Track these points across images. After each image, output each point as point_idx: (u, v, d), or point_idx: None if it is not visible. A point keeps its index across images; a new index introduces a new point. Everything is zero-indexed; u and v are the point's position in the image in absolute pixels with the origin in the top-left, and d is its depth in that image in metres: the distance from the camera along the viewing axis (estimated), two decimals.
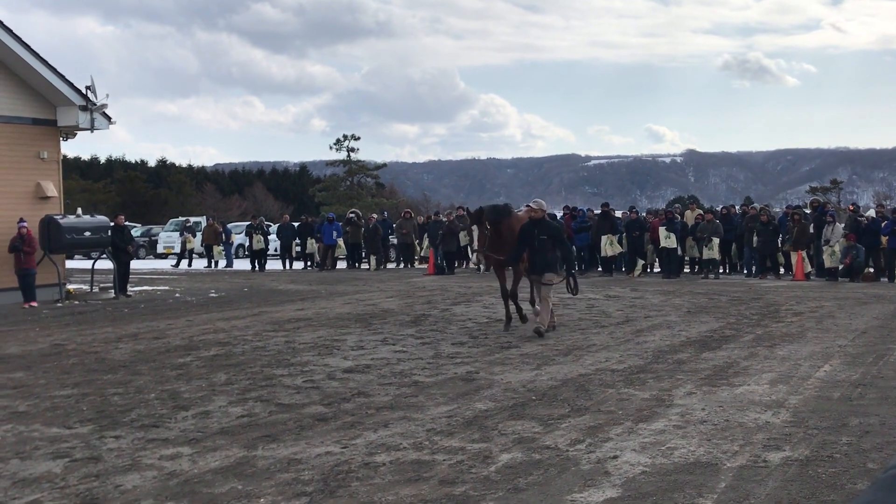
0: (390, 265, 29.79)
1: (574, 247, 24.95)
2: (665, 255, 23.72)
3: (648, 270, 24.72)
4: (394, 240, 30.46)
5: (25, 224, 18.10)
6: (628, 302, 16.80)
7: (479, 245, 13.00)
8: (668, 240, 23.23)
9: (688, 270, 24.48)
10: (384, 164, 72.17)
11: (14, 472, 6.21)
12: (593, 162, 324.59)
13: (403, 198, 74.66)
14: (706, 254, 23.19)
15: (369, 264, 28.64)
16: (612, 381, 9.07)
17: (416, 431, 7.10)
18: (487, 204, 14.15)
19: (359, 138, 66.51)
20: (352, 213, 30.33)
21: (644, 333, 12.55)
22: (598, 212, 25.36)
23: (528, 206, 13.10)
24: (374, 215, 31.35)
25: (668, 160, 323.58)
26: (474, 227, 13.14)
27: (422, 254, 28.88)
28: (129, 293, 20.48)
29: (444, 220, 27.11)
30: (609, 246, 24.20)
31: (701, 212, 25.10)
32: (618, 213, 26.56)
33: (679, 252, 23.68)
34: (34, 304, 18.05)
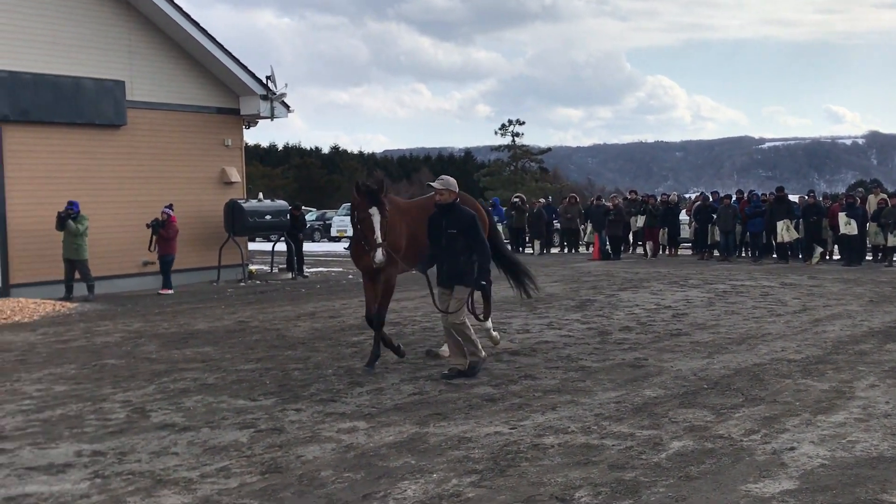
0: (554, 250, 29.72)
1: (748, 232, 24.18)
2: (845, 242, 22.58)
3: (827, 258, 23.61)
4: (557, 224, 30.35)
5: (169, 210, 18.25)
6: (805, 290, 16.12)
7: (383, 236, 8.89)
8: (848, 226, 22.09)
9: (870, 258, 23.21)
10: (548, 149, 71.97)
11: (205, 440, 6.65)
12: (767, 144, 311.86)
13: (567, 182, 74.21)
14: (891, 241, 21.92)
15: (533, 249, 28.67)
16: (789, 372, 8.77)
17: (584, 415, 7.12)
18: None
19: (523, 123, 66.66)
20: (516, 197, 30.41)
21: (823, 323, 12.03)
22: (773, 196, 24.40)
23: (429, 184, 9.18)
24: (543, 199, 31.35)
25: (848, 142, 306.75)
26: (373, 210, 8.89)
27: (586, 239, 28.66)
28: (305, 274, 21.44)
29: (609, 204, 26.79)
30: (785, 232, 23.27)
31: (885, 196, 23.70)
32: (793, 198, 25.47)
33: (861, 239, 22.48)
34: (168, 291, 17.94)
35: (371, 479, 5.60)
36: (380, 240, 8.85)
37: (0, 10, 16.68)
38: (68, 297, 16.75)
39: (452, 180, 8.90)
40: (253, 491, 5.45)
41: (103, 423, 7.24)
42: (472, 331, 8.77)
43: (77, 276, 16.91)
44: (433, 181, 8.98)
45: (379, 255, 8.81)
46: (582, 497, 5.21)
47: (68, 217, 16.66)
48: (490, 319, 10.13)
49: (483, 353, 8.88)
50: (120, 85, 18.46)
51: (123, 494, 5.43)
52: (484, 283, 8.90)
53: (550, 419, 7.01)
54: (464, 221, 8.69)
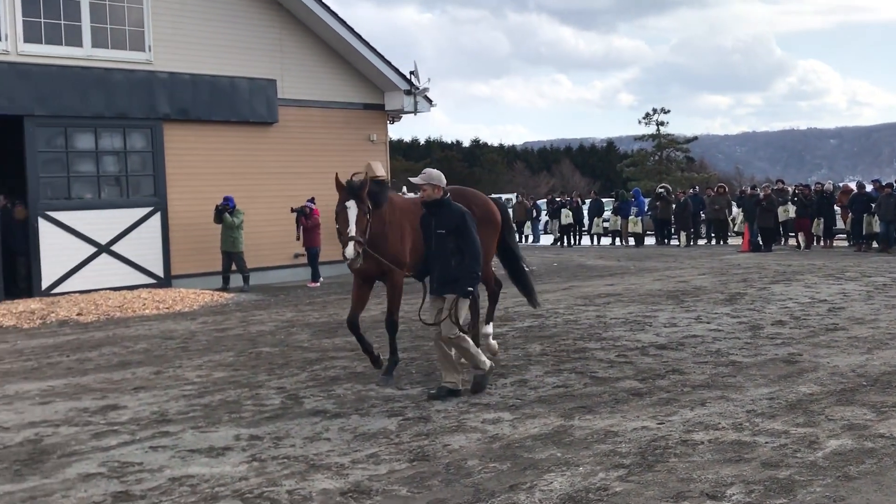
0: (700, 242, 28.96)
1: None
2: None
3: None
4: (704, 215, 29.55)
5: (311, 204, 18.53)
6: None
7: (359, 230, 8.12)
8: None
9: None
10: (694, 138, 70.06)
11: (355, 427, 6.84)
12: None
13: (715, 172, 72.05)
14: None
15: (679, 241, 28.02)
16: None
17: (736, 412, 6.93)
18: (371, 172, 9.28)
19: (668, 111, 65.14)
20: (661, 188, 29.79)
21: None
22: None
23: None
24: (691, 189, 30.57)
25: None
26: (349, 204, 8.19)
27: (735, 230, 27.78)
28: None
29: (760, 194, 25.86)
30: None
31: None
32: None
33: None
34: (315, 284, 18.27)
35: (517, 471, 5.63)
36: (352, 233, 8.06)
37: (161, 15, 17.59)
38: (225, 287, 17.55)
39: (436, 173, 7.92)
40: (402, 478, 5.57)
41: (259, 409, 7.56)
42: (471, 342, 7.91)
43: (233, 267, 17.69)
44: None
45: (349, 249, 8.00)
46: (734, 495, 5.08)
47: (224, 211, 17.44)
48: (492, 324, 9.50)
49: (488, 364, 7.98)
50: (272, 83, 19.16)
51: (279, 478, 5.65)
52: (470, 288, 7.71)
53: (700, 415, 6.86)
54: (453, 220, 7.74)
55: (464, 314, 7.81)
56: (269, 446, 6.39)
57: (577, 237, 31.31)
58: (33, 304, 14.62)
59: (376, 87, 21.15)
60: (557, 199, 33.29)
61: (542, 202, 37.95)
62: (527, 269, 10.19)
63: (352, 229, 8.11)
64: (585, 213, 31.56)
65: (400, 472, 5.70)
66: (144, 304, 14.87)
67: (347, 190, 8.30)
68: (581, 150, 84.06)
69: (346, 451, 6.21)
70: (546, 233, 35.10)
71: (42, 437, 6.86)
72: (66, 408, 7.85)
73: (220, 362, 9.87)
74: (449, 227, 7.72)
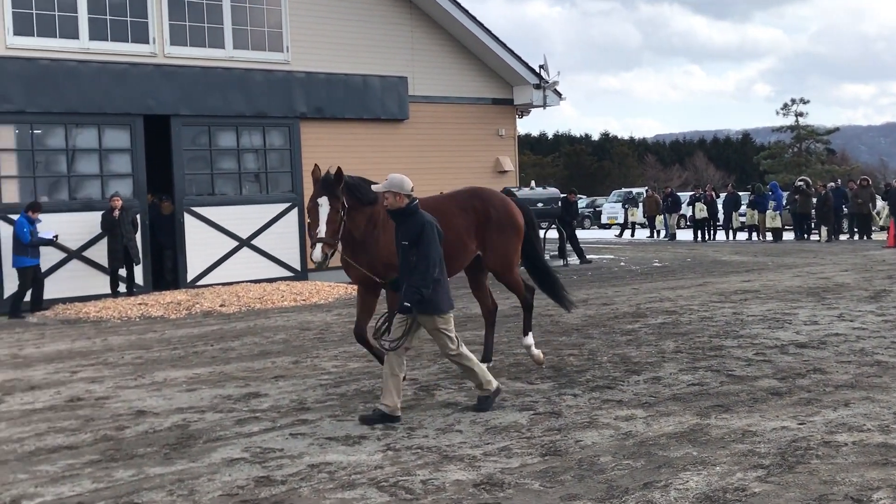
0: (842, 237, 27.77)
1: None
2: None
3: None
4: (846, 209, 28.33)
5: None
6: None
7: (329, 230, 7.48)
8: None
9: None
10: (836, 129, 67.19)
11: (486, 420, 6.89)
12: None
13: (857, 164, 68.88)
14: None
15: (819, 235, 26.96)
16: None
17: (882, 413, 6.63)
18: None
19: (807, 102, 62.85)
20: (801, 181, 28.72)
21: None
22: None
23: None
24: (832, 182, 29.40)
25: None
26: (321, 201, 7.50)
27: (880, 224, 26.52)
28: (588, 259, 21.75)
29: None
30: None
31: None
32: None
33: None
34: None
35: (651, 468, 5.56)
36: (321, 234, 7.43)
37: (298, 16, 18.13)
38: None
39: (399, 178, 7.11)
40: (534, 472, 5.59)
41: None
42: (475, 360, 7.31)
43: None
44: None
45: (317, 252, 7.43)
46: (881, 499, 4.88)
47: None
48: (531, 335, 8.90)
49: (494, 384, 7.31)
50: (403, 81, 19.47)
51: (413, 467, 5.76)
52: (407, 304, 6.93)
53: (843, 416, 6.60)
54: (414, 231, 7.02)
55: (399, 330, 7.00)
56: (402, 436, 6.52)
57: (713, 232, 30.50)
58: (179, 295, 15.33)
59: (505, 81, 21.20)
60: (691, 192, 32.54)
61: (683, 194, 36.95)
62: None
63: (321, 230, 7.45)
64: (720, 206, 30.75)
65: (532, 465, 5.72)
66: (283, 296, 15.38)
67: (321, 185, 7.53)
68: (715, 143, 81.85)
69: (478, 443, 6.27)
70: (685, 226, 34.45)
71: (189, 422, 7.20)
72: (211, 395, 8.21)
73: (354, 353, 10.11)
74: (412, 239, 7.02)
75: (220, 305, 14.66)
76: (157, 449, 6.43)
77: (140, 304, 14.66)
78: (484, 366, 7.46)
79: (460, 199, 8.78)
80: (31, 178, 15.64)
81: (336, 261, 7.87)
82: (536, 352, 8.89)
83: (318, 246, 7.46)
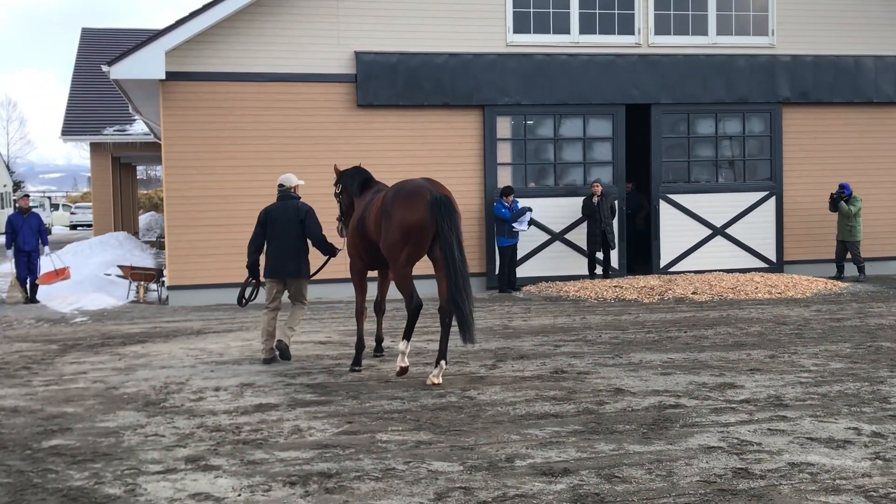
0: None
1: None
2: None
3: None
4: None
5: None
6: None
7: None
8: None
9: None
10: None
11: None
12: None
13: None
14: None
15: None
16: None
17: None
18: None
19: None
20: None
21: None
22: None
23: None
24: None
25: None
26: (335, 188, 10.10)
27: None
28: None
29: None
30: None
31: None
32: None
33: None
34: None
35: None
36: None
37: None
38: (839, 276, 16.88)
39: (288, 177, 9.97)
40: None
41: (881, 405, 7.19)
42: (263, 327, 9.70)
43: (847, 256, 16.94)
44: None
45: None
46: None
47: (840, 199, 16.76)
48: (405, 342, 8.54)
49: (267, 356, 9.57)
50: None
51: None
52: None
53: None
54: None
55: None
56: (893, 445, 6.07)
57: None
58: (652, 280, 15.67)
59: None
60: None
61: None
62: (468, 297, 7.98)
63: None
64: None
65: None
66: (756, 288, 14.99)
67: (349, 178, 9.72)
68: None
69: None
70: None
71: (664, 405, 7.38)
72: (686, 380, 8.33)
73: (836, 353, 9.58)
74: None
75: (693, 293, 14.72)
76: (635, 427, 6.70)
77: (615, 286, 15.26)
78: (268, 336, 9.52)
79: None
80: (523, 165, 17.00)
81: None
82: (402, 362, 8.49)
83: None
